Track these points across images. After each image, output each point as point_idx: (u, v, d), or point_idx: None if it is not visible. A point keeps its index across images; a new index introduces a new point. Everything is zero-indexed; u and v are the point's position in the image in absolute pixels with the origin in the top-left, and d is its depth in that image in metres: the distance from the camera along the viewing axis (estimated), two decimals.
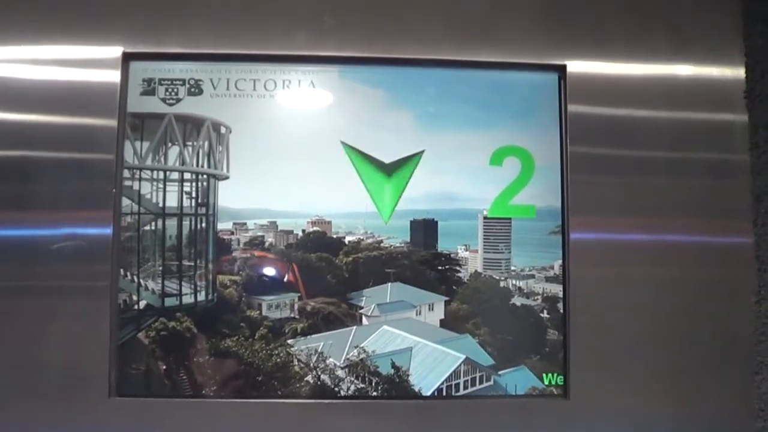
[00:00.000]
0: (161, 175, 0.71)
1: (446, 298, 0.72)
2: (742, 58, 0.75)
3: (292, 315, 0.70)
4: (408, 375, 0.70)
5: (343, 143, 0.71)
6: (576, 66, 0.73)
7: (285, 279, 0.71)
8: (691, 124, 0.74)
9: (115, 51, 0.70)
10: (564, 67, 0.73)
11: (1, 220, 0.67)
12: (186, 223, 0.71)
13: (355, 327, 0.71)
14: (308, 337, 0.70)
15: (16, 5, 0.69)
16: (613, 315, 0.71)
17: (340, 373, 0.70)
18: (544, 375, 0.71)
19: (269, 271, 0.71)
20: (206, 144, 0.71)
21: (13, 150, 0.68)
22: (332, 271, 0.71)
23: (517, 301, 0.73)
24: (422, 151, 0.72)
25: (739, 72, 0.75)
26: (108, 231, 0.68)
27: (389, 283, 0.72)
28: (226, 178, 0.71)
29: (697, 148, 0.73)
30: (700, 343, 0.71)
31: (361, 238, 0.72)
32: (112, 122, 0.69)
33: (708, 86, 0.74)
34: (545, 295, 0.73)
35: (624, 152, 0.73)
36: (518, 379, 0.71)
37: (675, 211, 0.72)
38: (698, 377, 0.71)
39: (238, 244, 0.71)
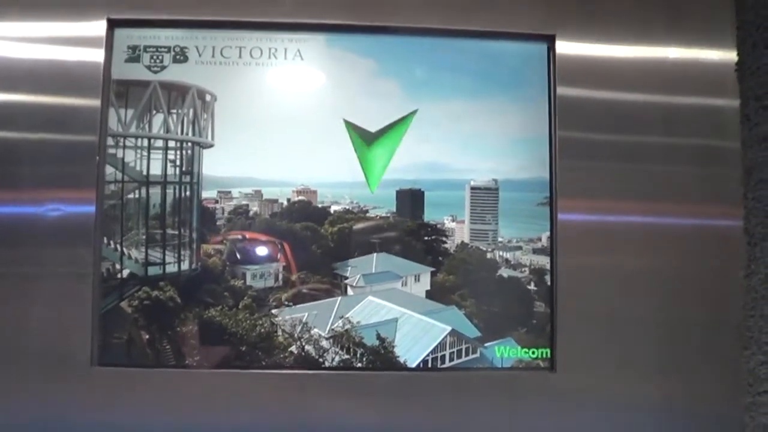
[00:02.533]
0: (145, 142, 0.70)
1: (432, 269, 0.71)
2: (734, 38, 0.74)
3: (277, 284, 0.70)
4: (393, 346, 0.70)
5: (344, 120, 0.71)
6: (565, 37, 0.72)
7: (276, 261, 0.70)
8: (682, 104, 0.73)
9: (100, 18, 0.69)
10: (553, 37, 0.72)
11: None
12: (170, 191, 0.70)
13: (340, 297, 0.70)
14: (293, 307, 0.69)
15: None
16: (601, 288, 0.70)
17: (324, 343, 0.69)
18: (531, 348, 0.70)
19: (261, 251, 0.70)
20: (191, 111, 0.71)
21: None
22: (317, 241, 0.70)
23: (504, 272, 0.72)
24: (415, 111, 0.71)
25: (731, 55, 0.74)
26: (92, 199, 0.67)
27: (375, 254, 0.71)
28: (211, 146, 0.70)
29: (688, 130, 0.73)
30: (688, 318, 0.70)
31: (347, 207, 0.71)
32: (97, 90, 0.68)
33: (699, 68, 0.73)
34: (532, 267, 0.72)
35: (612, 131, 0.72)
36: (504, 352, 0.70)
37: (665, 191, 0.72)
38: (686, 352, 0.70)
39: (223, 213, 0.70)
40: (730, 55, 0.74)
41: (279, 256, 0.70)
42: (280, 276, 0.70)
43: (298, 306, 0.70)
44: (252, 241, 0.70)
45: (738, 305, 0.71)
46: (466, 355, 0.70)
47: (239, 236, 0.70)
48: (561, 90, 0.72)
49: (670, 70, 0.73)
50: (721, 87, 0.73)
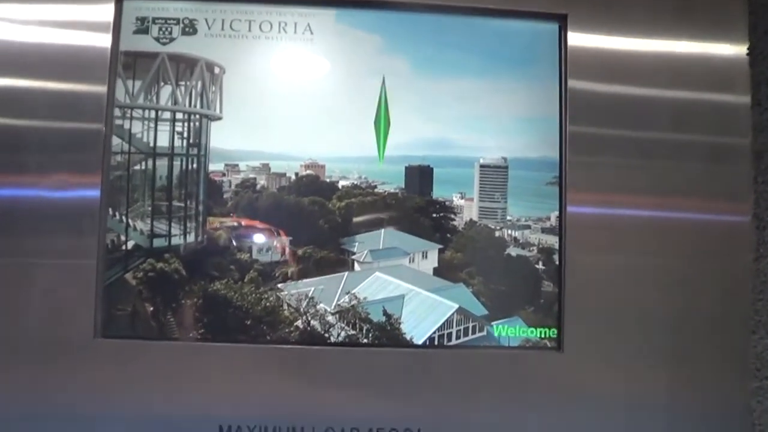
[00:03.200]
0: (153, 114, 0.70)
1: (440, 246, 0.71)
2: (746, 32, 0.74)
3: (284, 258, 0.69)
4: (400, 323, 0.69)
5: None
6: (577, 17, 0.72)
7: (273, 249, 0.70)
8: (694, 99, 0.72)
9: None
10: (565, 17, 0.72)
11: None
12: (177, 163, 0.70)
13: (346, 272, 0.70)
14: (299, 281, 0.69)
15: None
16: (609, 269, 0.69)
17: (330, 319, 0.69)
18: (538, 327, 0.70)
19: (258, 238, 0.70)
20: (199, 84, 0.70)
21: None
22: (325, 216, 0.70)
23: (512, 251, 0.72)
24: (383, 80, 0.71)
25: (743, 49, 0.73)
26: (97, 171, 0.66)
27: (382, 229, 0.70)
28: (219, 118, 0.70)
29: (700, 125, 0.72)
30: (696, 301, 0.70)
31: (355, 182, 0.71)
32: (105, 62, 0.68)
33: (713, 61, 0.73)
34: (541, 246, 0.71)
35: (623, 125, 0.71)
36: (511, 331, 0.70)
37: (675, 183, 0.71)
38: (694, 335, 0.70)
39: (230, 186, 0.70)
40: (742, 49, 0.73)
41: (275, 243, 0.69)
42: (287, 250, 0.69)
43: (304, 280, 0.69)
44: (248, 228, 0.70)
45: (746, 293, 0.71)
46: (473, 333, 0.70)
47: (235, 223, 0.70)
48: (572, 83, 0.71)
49: (682, 59, 0.72)
50: (735, 82, 0.72)
